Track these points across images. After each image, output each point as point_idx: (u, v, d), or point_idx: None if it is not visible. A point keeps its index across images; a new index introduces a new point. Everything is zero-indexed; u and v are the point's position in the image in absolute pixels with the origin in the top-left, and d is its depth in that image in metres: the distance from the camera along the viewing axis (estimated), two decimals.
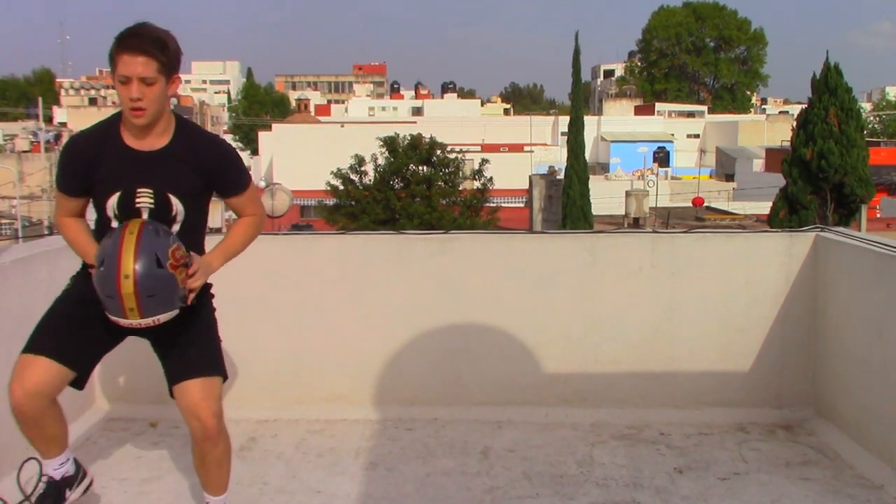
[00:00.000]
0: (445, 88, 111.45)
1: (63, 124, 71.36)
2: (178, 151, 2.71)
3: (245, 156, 77.05)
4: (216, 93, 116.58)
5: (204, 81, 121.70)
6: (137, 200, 2.67)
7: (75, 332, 2.73)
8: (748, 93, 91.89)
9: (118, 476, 3.54)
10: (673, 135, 64.11)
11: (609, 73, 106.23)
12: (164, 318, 2.58)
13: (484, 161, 29.83)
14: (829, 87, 20.24)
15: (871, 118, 64.24)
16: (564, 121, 46.78)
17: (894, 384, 3.46)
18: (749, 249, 4.20)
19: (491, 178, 28.83)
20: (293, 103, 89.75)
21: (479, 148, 47.24)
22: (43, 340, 2.71)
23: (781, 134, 47.07)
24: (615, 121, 66.10)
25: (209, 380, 2.78)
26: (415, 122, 48.88)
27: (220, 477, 2.90)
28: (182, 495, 3.37)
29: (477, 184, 28.79)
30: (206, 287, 2.89)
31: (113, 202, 2.67)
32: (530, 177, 32.65)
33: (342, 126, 53.72)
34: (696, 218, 37.48)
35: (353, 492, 3.40)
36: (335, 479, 3.52)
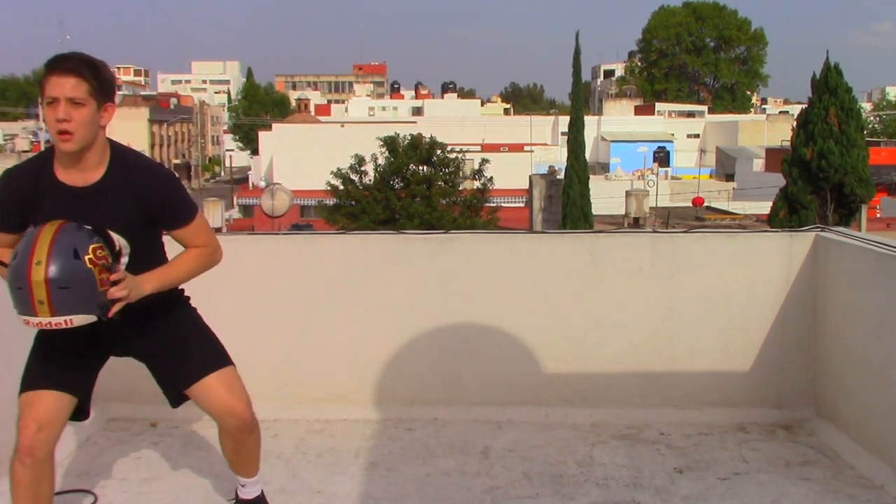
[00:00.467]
0: (445, 88, 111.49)
1: None
2: (113, 185, 2.55)
3: (245, 156, 77.26)
4: (216, 93, 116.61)
5: (204, 81, 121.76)
6: None
7: (62, 361, 2.69)
8: (748, 93, 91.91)
9: (118, 476, 3.54)
10: (673, 135, 64.11)
11: (609, 73, 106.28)
12: (77, 320, 2.39)
13: (484, 161, 29.82)
14: (829, 87, 20.25)
15: (871, 118, 64.26)
16: (564, 121, 46.80)
17: (894, 384, 3.46)
18: (749, 249, 4.20)
19: (491, 178, 28.83)
20: (293, 103, 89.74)
21: (479, 148, 47.23)
22: (37, 376, 2.67)
23: (781, 134, 47.10)
24: (615, 121, 66.10)
25: (224, 371, 2.78)
26: (415, 122, 48.88)
27: (255, 460, 2.93)
28: (182, 495, 3.37)
29: (477, 184, 28.78)
30: (177, 295, 2.85)
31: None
32: (530, 177, 32.67)
33: (342, 126, 53.70)
34: (696, 218, 37.49)
35: (353, 492, 3.40)
36: (335, 479, 3.52)
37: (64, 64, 2.43)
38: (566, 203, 28.72)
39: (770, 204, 21.86)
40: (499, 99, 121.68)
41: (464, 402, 4.21)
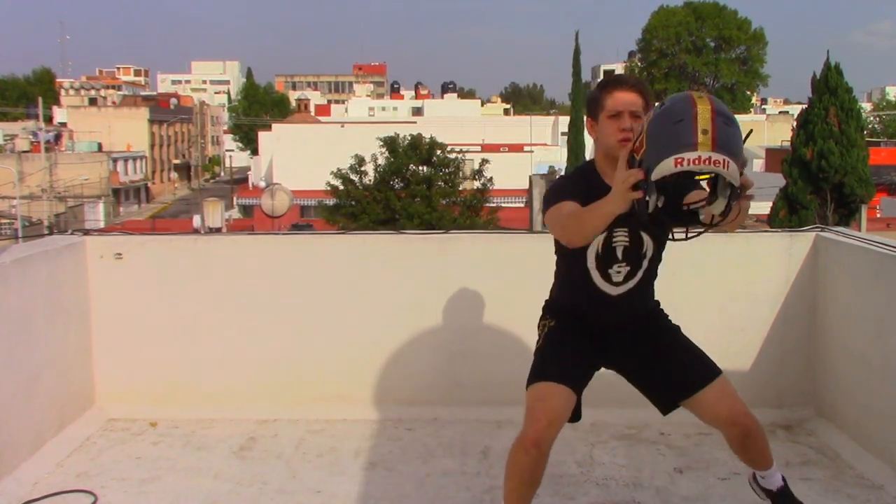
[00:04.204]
0: (445, 88, 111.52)
1: (63, 124, 71.39)
2: None
3: (245, 156, 77.28)
4: (216, 93, 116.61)
5: (204, 81, 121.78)
6: (615, 239, 2.73)
7: (572, 360, 2.80)
8: (748, 93, 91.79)
9: (118, 476, 3.54)
10: None
11: (609, 73, 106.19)
12: (726, 172, 2.21)
13: (484, 161, 29.80)
14: (830, 87, 20.22)
15: (871, 118, 64.23)
16: (564, 121, 46.89)
17: (894, 384, 3.46)
18: (749, 249, 4.20)
19: (491, 178, 28.81)
20: (293, 103, 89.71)
21: (479, 148, 47.21)
22: (553, 370, 2.78)
23: (781, 134, 47.08)
24: None
25: (719, 381, 2.79)
26: (415, 123, 48.85)
27: (767, 452, 2.88)
28: (182, 495, 3.37)
29: (477, 184, 28.77)
30: (659, 303, 2.97)
31: (598, 242, 2.72)
32: (530, 177, 32.61)
33: (342, 126, 53.67)
34: None
35: (353, 492, 3.40)
36: (335, 479, 3.52)
37: (628, 80, 2.75)
38: None
39: (770, 204, 21.83)
40: (499, 99, 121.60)
41: (464, 402, 4.21)
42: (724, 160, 2.20)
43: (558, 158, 43.72)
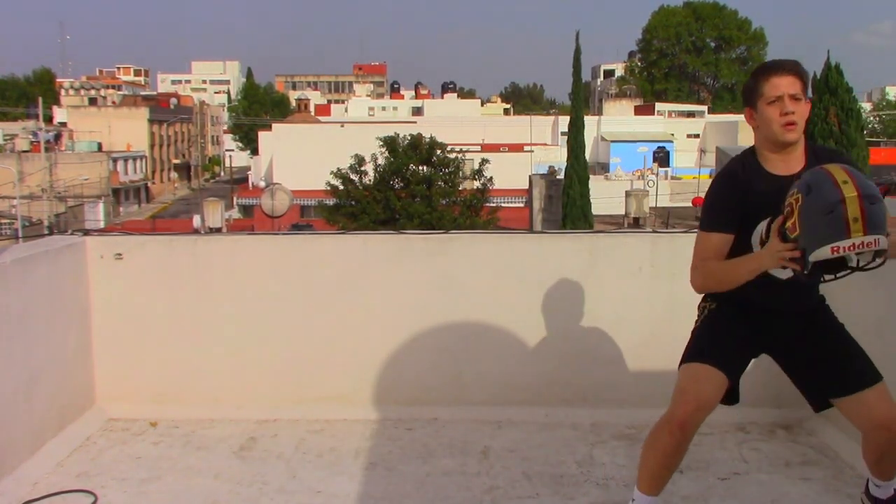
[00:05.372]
0: (445, 88, 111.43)
1: (63, 124, 71.38)
2: None
3: (245, 156, 77.28)
4: (216, 93, 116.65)
5: (204, 81, 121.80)
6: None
7: (731, 343, 2.79)
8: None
9: (118, 476, 3.54)
10: (673, 135, 64.08)
11: (609, 73, 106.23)
12: (878, 247, 2.39)
13: (484, 161, 29.82)
14: (830, 87, 20.25)
15: (871, 118, 64.23)
16: (564, 121, 46.79)
17: (894, 384, 3.46)
18: None
19: (491, 178, 28.84)
20: (293, 103, 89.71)
21: (479, 148, 47.25)
22: (709, 351, 2.76)
23: None
24: (615, 121, 66.07)
25: (880, 386, 2.74)
26: (415, 122, 48.88)
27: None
28: (182, 495, 3.37)
29: (477, 184, 28.79)
30: (822, 298, 2.93)
31: (761, 227, 2.71)
32: (530, 177, 32.71)
33: (342, 126, 53.70)
34: (697, 218, 37.42)
35: (353, 492, 3.40)
36: (335, 479, 3.52)
37: (785, 65, 2.70)
38: (566, 203, 28.75)
39: None
40: (499, 99, 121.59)
41: (464, 402, 4.21)
42: (875, 240, 2.37)
43: (558, 158, 43.67)
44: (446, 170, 28.59)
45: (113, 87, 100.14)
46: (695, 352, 2.80)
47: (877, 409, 2.68)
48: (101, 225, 42.70)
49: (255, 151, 62.05)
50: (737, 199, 2.72)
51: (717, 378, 2.71)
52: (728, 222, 2.75)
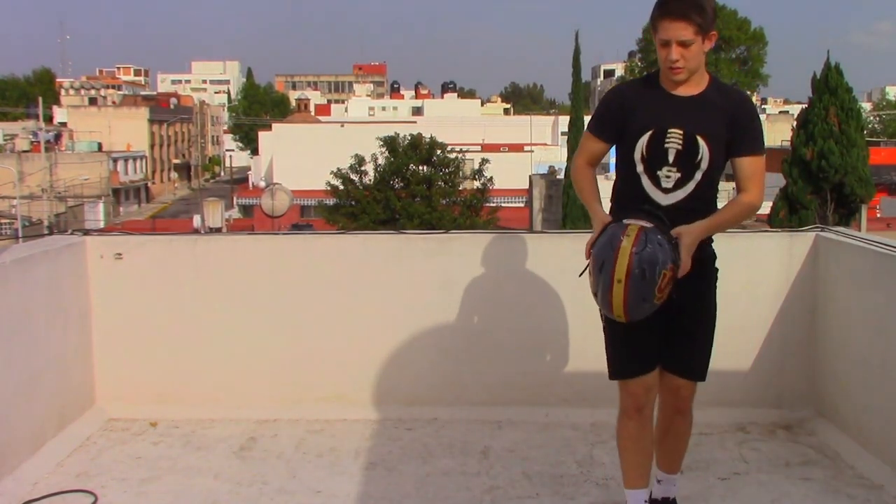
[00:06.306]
0: (445, 88, 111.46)
1: (63, 124, 71.40)
2: (711, 97, 2.80)
3: (245, 156, 77.26)
4: (216, 93, 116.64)
5: (204, 81, 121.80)
6: (668, 140, 2.76)
7: (636, 343, 2.89)
8: (748, 93, 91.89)
9: (118, 476, 3.54)
10: None
11: (609, 73, 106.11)
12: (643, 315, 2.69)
13: (484, 161, 29.82)
14: (830, 87, 20.21)
15: (871, 118, 64.22)
16: (564, 121, 46.77)
17: (894, 384, 3.46)
18: (749, 249, 4.20)
19: (491, 178, 28.83)
20: (293, 103, 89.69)
21: (479, 148, 47.22)
22: (626, 368, 2.94)
23: (781, 134, 47.01)
24: None
25: (695, 385, 3.02)
26: (415, 122, 48.87)
27: (681, 458, 3.19)
28: (182, 495, 3.37)
29: (477, 184, 28.79)
30: (714, 258, 2.96)
31: (643, 142, 2.78)
32: (530, 177, 32.62)
33: (342, 126, 53.70)
34: None
35: (353, 492, 3.40)
36: (335, 479, 3.52)
37: (675, 9, 2.67)
38: (566, 203, 28.68)
39: (770, 204, 21.82)
40: (499, 99, 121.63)
41: (464, 402, 4.21)
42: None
43: (558, 158, 43.60)
44: (446, 170, 28.59)
45: (113, 87, 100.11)
46: (613, 371, 2.97)
47: (679, 393, 2.98)
48: (101, 225, 42.68)
49: (255, 151, 62.07)
50: (614, 113, 2.87)
51: (646, 377, 2.91)
52: (602, 130, 2.93)
